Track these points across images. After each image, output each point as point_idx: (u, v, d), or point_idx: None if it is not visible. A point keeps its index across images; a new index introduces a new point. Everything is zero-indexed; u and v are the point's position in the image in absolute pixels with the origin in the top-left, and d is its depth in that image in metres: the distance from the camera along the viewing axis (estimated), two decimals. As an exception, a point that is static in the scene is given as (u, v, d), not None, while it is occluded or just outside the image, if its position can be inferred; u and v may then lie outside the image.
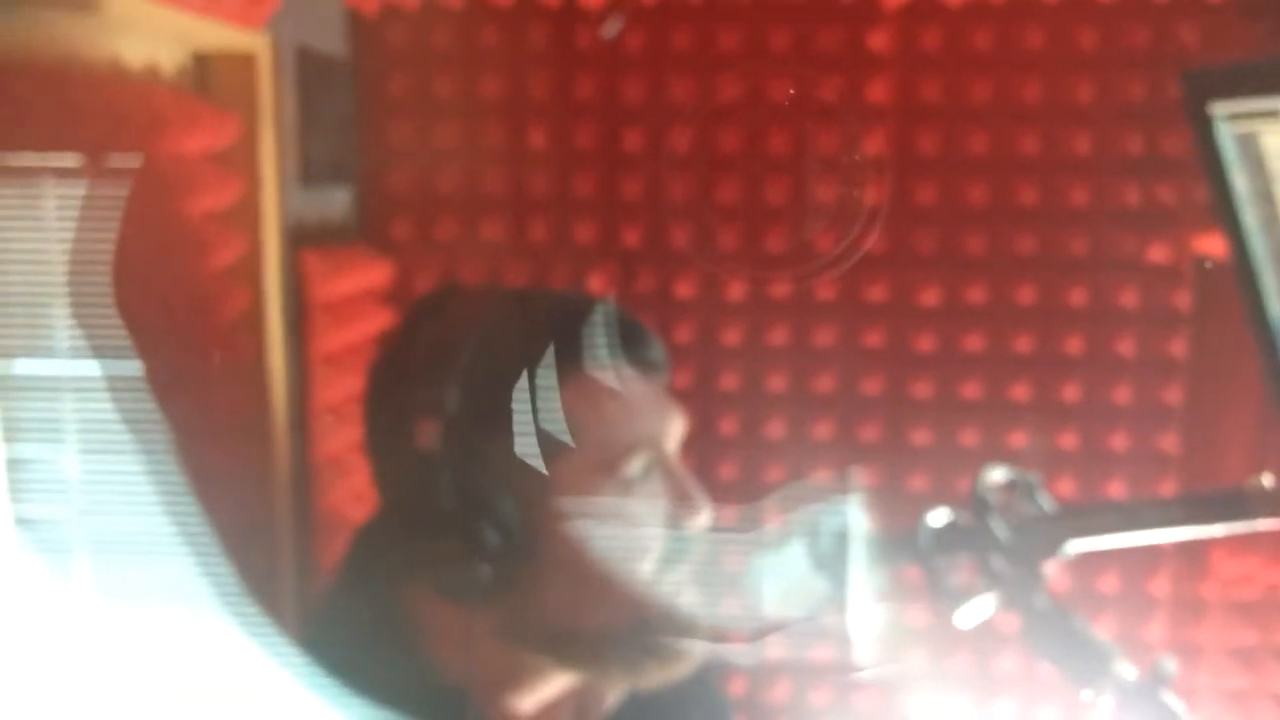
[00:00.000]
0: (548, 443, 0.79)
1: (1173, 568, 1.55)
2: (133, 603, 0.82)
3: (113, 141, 1.10)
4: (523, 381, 0.79)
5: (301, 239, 1.36)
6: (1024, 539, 0.76)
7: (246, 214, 1.27)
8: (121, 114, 1.09)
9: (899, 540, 0.84)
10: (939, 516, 0.81)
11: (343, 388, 1.44)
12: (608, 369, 0.83)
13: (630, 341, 0.85)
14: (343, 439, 1.44)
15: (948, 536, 0.80)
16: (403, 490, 0.83)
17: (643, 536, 0.83)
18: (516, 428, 0.79)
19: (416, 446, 0.79)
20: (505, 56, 1.48)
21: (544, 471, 0.80)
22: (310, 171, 1.39)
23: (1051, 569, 0.76)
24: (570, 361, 0.81)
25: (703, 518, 0.86)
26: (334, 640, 0.83)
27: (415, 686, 0.81)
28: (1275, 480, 0.68)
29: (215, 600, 0.82)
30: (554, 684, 0.86)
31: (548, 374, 0.80)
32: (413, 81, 1.50)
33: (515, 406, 0.79)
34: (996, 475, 0.79)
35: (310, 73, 1.36)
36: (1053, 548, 0.76)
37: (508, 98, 1.49)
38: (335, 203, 1.48)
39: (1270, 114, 1.00)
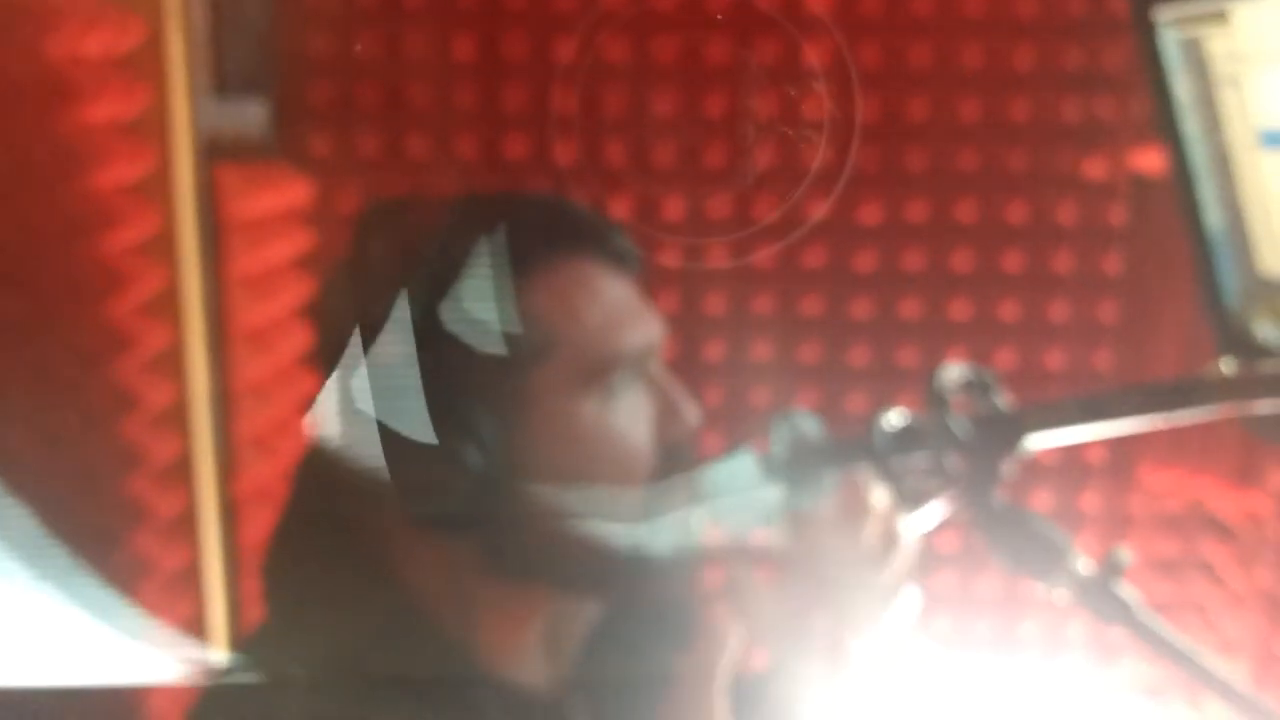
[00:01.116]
0: (525, 355, 0.75)
1: (1102, 484, 1.57)
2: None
3: (2, 37, 1.02)
4: (489, 286, 0.74)
5: (215, 154, 1.28)
6: (982, 436, 0.75)
7: (155, 126, 1.20)
8: (10, 10, 1.01)
9: (853, 444, 0.82)
10: (895, 417, 0.79)
11: (261, 312, 1.37)
12: (576, 266, 0.78)
13: (597, 235, 0.80)
14: (264, 364, 1.38)
15: (904, 438, 0.78)
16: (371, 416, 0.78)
17: (629, 449, 0.79)
18: (485, 336, 0.74)
19: (380, 357, 0.73)
20: (429, -38, 1.41)
21: (524, 386, 0.75)
22: (224, 82, 1.31)
23: (1009, 467, 0.75)
24: (537, 260, 0.76)
25: (693, 424, 0.82)
26: (286, 580, 0.78)
27: (378, 619, 0.76)
28: (1232, 367, 0.67)
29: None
30: (536, 610, 0.82)
31: (514, 276, 0.75)
32: (331, -13, 1.42)
33: (482, 314, 0.74)
34: (953, 373, 0.77)
35: (219, -27, 1.28)
36: (1011, 444, 0.74)
37: (431, 7, 1.42)
38: (251, 116, 1.40)
39: (1215, 16, 0.99)
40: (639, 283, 0.83)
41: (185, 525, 1.27)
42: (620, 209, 1.47)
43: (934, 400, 0.76)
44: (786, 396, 1.53)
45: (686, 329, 1.50)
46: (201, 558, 1.29)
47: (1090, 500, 1.57)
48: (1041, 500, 1.57)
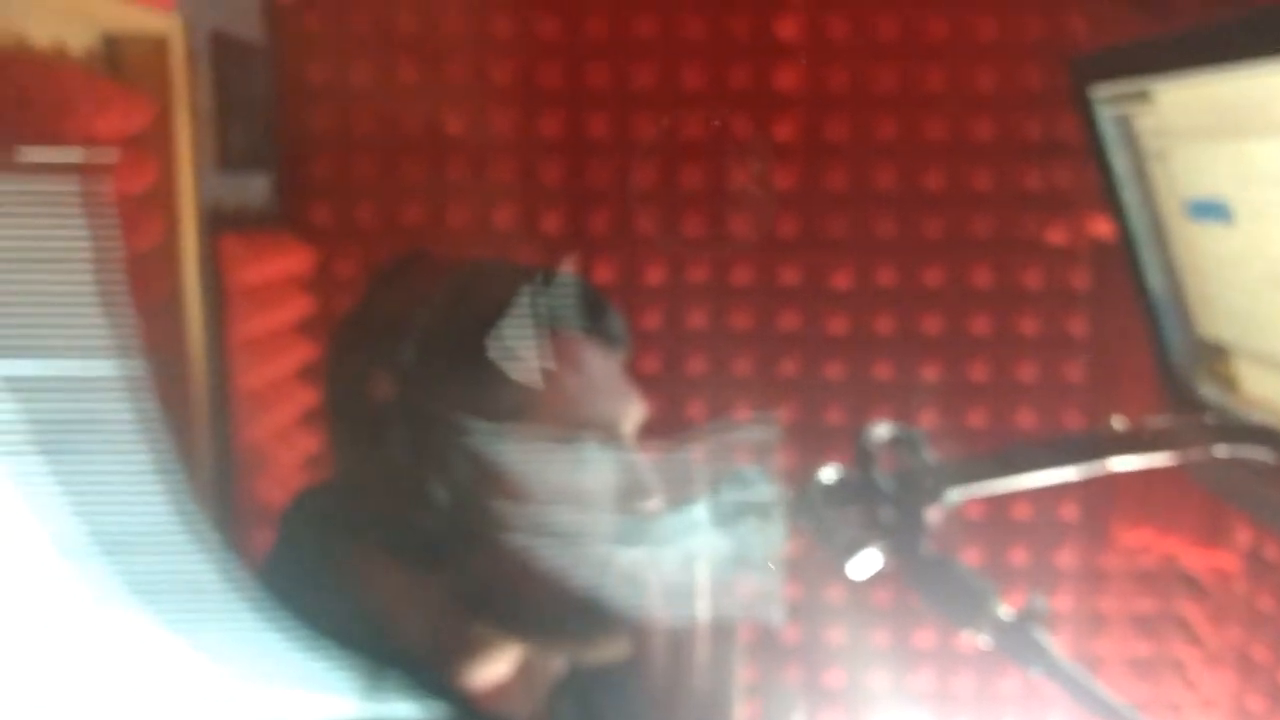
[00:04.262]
0: (502, 408, 0.80)
1: (1077, 541, 1.61)
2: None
3: (19, 123, 1.10)
4: (480, 346, 0.79)
5: (220, 224, 1.36)
6: (906, 489, 0.80)
7: (163, 198, 1.27)
8: (27, 95, 1.09)
9: (795, 499, 0.87)
10: (829, 473, 0.84)
11: (264, 373, 1.44)
12: (567, 340, 0.83)
13: (591, 313, 0.85)
14: (265, 425, 1.45)
15: (836, 491, 0.83)
16: (356, 449, 0.84)
17: (592, 513, 0.83)
18: (471, 392, 0.80)
19: (372, 404, 0.79)
20: (422, 42, 1.50)
21: (497, 438, 0.80)
22: (228, 157, 1.39)
23: (934, 516, 0.80)
24: (529, 328, 0.81)
25: (653, 503, 0.86)
26: (277, 602, 0.83)
27: (362, 647, 0.81)
28: (1125, 423, 0.72)
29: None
30: (502, 653, 0.87)
31: (505, 340, 0.81)
32: (331, 67, 1.51)
33: (471, 371, 0.80)
34: (881, 431, 0.82)
35: (226, 57, 1.37)
36: (933, 496, 0.79)
37: (425, 83, 1.51)
38: (255, 188, 1.48)
39: (1139, 95, 1.05)
40: (623, 362, 0.88)
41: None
42: (604, 274, 1.54)
43: (861, 456, 0.81)
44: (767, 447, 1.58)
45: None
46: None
47: (1066, 557, 1.61)
48: (1018, 556, 1.61)
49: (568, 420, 0.82)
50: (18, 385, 0.88)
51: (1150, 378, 1.47)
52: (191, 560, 0.84)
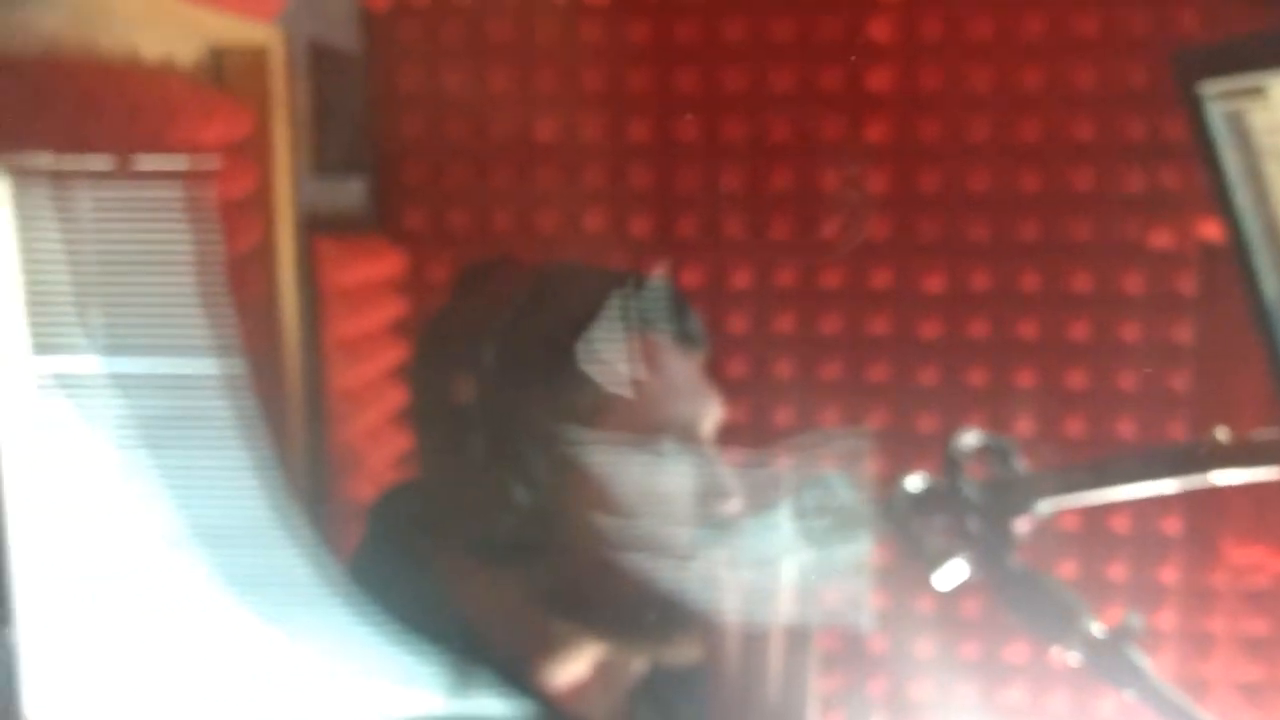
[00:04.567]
0: (582, 410, 0.81)
1: (1182, 557, 1.54)
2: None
3: (130, 132, 1.15)
4: (559, 349, 0.80)
5: (316, 228, 1.40)
6: (994, 500, 0.77)
7: (262, 203, 1.31)
8: (138, 105, 1.13)
9: (880, 507, 0.85)
10: (915, 482, 0.82)
11: (358, 374, 1.48)
12: (646, 341, 0.83)
13: (669, 314, 0.85)
14: (358, 424, 1.48)
15: (923, 500, 0.81)
16: (439, 450, 0.85)
17: (671, 514, 0.84)
18: (551, 395, 0.80)
19: (454, 403, 0.81)
20: (514, 49, 1.52)
21: (577, 438, 0.81)
22: (325, 162, 1.43)
23: (1023, 528, 0.77)
24: (612, 329, 0.82)
25: (732, 505, 0.86)
26: (364, 597, 0.84)
27: (446, 644, 0.82)
28: (1229, 434, 0.69)
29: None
30: (582, 652, 0.87)
31: (589, 341, 0.81)
32: (424, 75, 1.54)
33: (550, 374, 0.81)
34: (969, 439, 0.80)
35: (323, 66, 1.41)
36: (1022, 507, 0.77)
37: (516, 90, 1.52)
38: (350, 193, 1.52)
39: (1254, 91, 1.00)
40: (703, 362, 0.89)
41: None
42: (691, 279, 1.54)
43: (949, 465, 0.79)
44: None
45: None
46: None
47: (1169, 574, 1.54)
48: (1117, 571, 1.55)
49: (647, 422, 0.83)
50: (125, 382, 0.92)
51: (1263, 389, 1.40)
52: (286, 555, 0.86)
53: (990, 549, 0.78)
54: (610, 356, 0.83)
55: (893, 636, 1.57)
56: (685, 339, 0.86)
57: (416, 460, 0.90)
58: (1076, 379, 1.51)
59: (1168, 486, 0.74)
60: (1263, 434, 0.69)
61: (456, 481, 0.83)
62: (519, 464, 0.80)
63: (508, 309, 0.83)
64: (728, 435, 0.89)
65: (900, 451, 1.53)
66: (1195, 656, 1.56)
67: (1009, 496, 0.77)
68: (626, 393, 0.82)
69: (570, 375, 0.81)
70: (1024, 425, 1.51)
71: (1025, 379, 1.51)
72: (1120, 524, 1.53)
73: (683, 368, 0.86)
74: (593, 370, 0.82)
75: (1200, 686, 1.56)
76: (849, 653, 1.56)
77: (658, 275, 0.87)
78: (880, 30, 1.47)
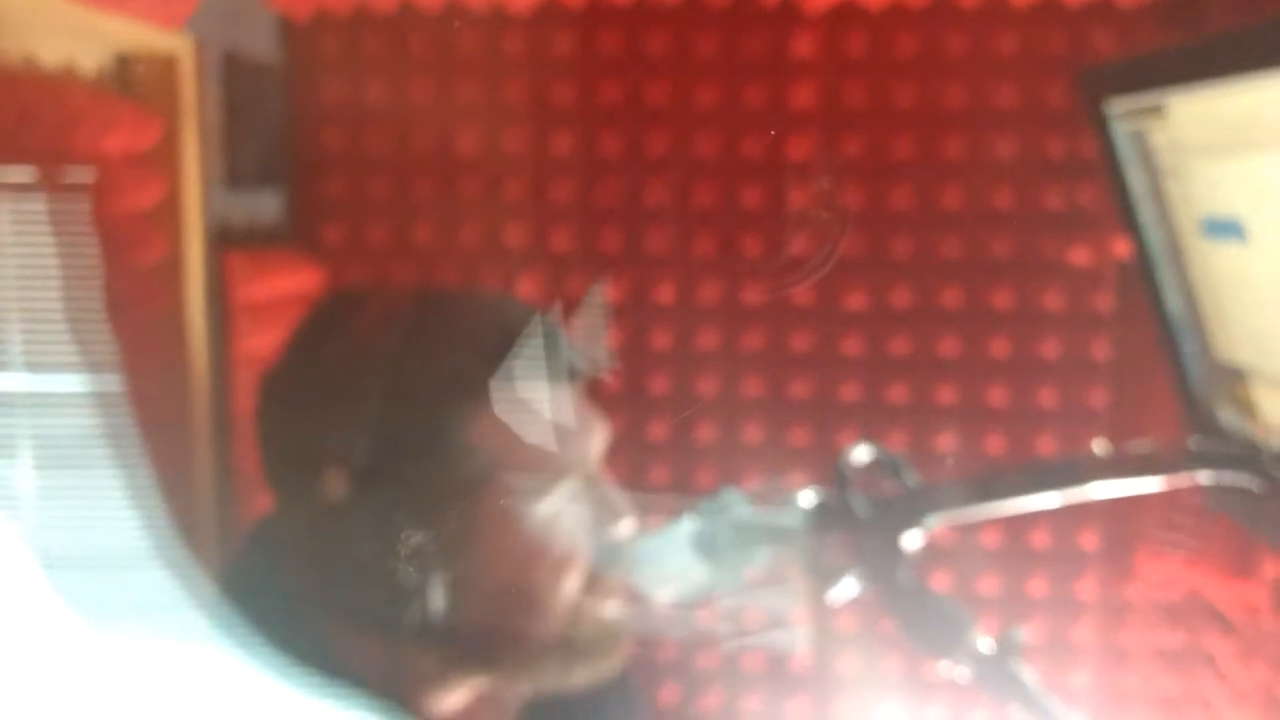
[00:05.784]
0: (473, 477, 0.77)
1: (1098, 571, 1.55)
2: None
3: (24, 141, 1.11)
4: (437, 427, 0.75)
5: (228, 241, 1.37)
6: (883, 515, 0.77)
7: (170, 214, 1.28)
8: (31, 112, 1.10)
9: (775, 523, 0.84)
10: (808, 497, 0.82)
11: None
12: (525, 390, 0.79)
13: (548, 352, 0.79)
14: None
15: (816, 516, 0.81)
16: (309, 536, 0.79)
17: (569, 548, 0.81)
18: (433, 474, 0.75)
19: (326, 502, 0.75)
20: (436, 62, 1.50)
21: (462, 509, 0.77)
22: (238, 174, 1.40)
23: (912, 543, 0.77)
24: (484, 386, 0.76)
25: (626, 526, 0.85)
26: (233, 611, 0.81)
27: (317, 671, 0.79)
28: (1106, 447, 0.69)
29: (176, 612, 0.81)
30: (462, 684, 0.85)
31: (458, 399, 0.76)
32: (345, 87, 1.52)
33: (430, 453, 0.75)
34: (859, 454, 0.79)
35: (238, 77, 1.38)
36: (911, 521, 0.76)
37: (438, 102, 1.51)
38: (265, 206, 1.49)
39: (1154, 110, 1.01)
40: (582, 388, 0.85)
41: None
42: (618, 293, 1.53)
43: (838, 479, 0.79)
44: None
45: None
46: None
47: (1086, 588, 1.55)
48: (1038, 586, 1.55)
49: (541, 468, 0.79)
50: (7, 400, 0.88)
51: (1176, 403, 1.42)
52: (160, 578, 0.83)
53: (880, 564, 0.78)
54: (486, 419, 0.77)
55: (816, 655, 1.56)
56: (561, 370, 0.81)
57: (280, 524, 0.85)
58: (997, 395, 1.52)
59: (1051, 500, 0.74)
60: (1138, 446, 0.69)
61: (332, 567, 0.79)
62: (403, 551, 0.75)
63: (364, 374, 0.76)
64: (650, 455, 0.88)
65: (826, 467, 1.52)
66: (1113, 669, 1.57)
67: (897, 511, 0.77)
68: (513, 447, 0.78)
69: (457, 444, 0.76)
70: (944, 442, 1.52)
71: (946, 395, 1.52)
72: (1040, 540, 1.54)
73: (568, 407, 0.82)
74: (471, 436, 0.77)
75: (1118, 698, 1.57)
76: (772, 672, 1.55)
77: (540, 307, 0.82)
78: (803, 46, 1.47)
